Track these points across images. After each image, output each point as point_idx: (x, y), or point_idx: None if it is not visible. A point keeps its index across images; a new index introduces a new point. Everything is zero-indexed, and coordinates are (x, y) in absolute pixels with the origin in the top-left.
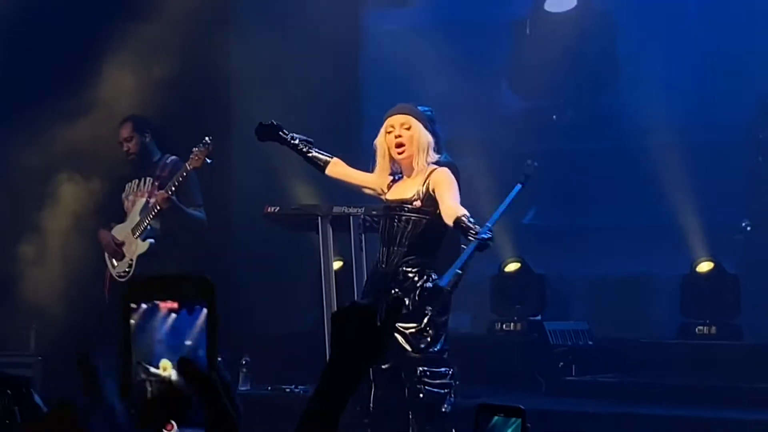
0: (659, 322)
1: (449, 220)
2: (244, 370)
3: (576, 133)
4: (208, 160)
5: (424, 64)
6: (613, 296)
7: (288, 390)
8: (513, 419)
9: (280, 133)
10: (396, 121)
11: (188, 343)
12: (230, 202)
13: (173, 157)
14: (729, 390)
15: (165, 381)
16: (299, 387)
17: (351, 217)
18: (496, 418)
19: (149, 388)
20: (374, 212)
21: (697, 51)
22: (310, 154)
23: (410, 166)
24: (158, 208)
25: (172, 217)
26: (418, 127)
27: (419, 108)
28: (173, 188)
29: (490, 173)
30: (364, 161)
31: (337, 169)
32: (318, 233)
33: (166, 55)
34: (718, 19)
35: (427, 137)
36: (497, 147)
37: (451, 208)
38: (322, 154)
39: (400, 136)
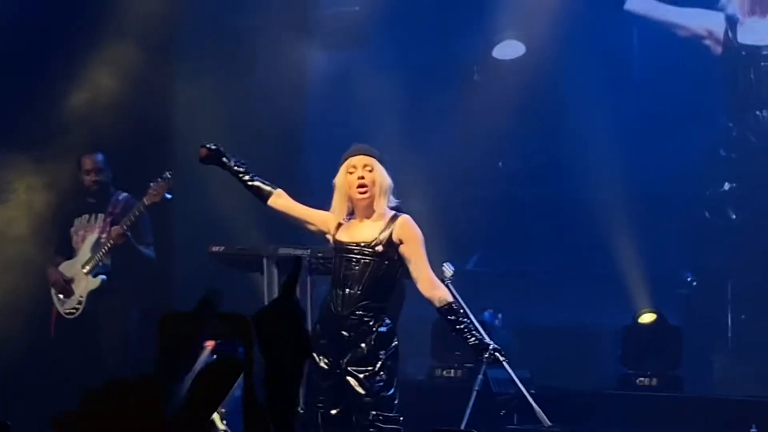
0: (601, 372)
1: (434, 300)
2: None
3: (522, 180)
4: (168, 196)
5: (370, 106)
6: (555, 345)
7: None
8: None
9: (223, 158)
10: (358, 162)
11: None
12: (173, 241)
13: (125, 194)
14: None
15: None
16: None
17: (297, 259)
18: None
19: None
20: (320, 254)
21: (645, 102)
22: (253, 183)
23: (369, 208)
24: (111, 243)
25: (124, 254)
26: (380, 170)
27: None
28: (128, 224)
29: (434, 218)
30: (306, 201)
31: (282, 201)
32: (263, 274)
33: (115, 93)
34: (666, 72)
35: (389, 180)
36: (442, 192)
37: (432, 282)
38: (266, 184)
39: (362, 177)
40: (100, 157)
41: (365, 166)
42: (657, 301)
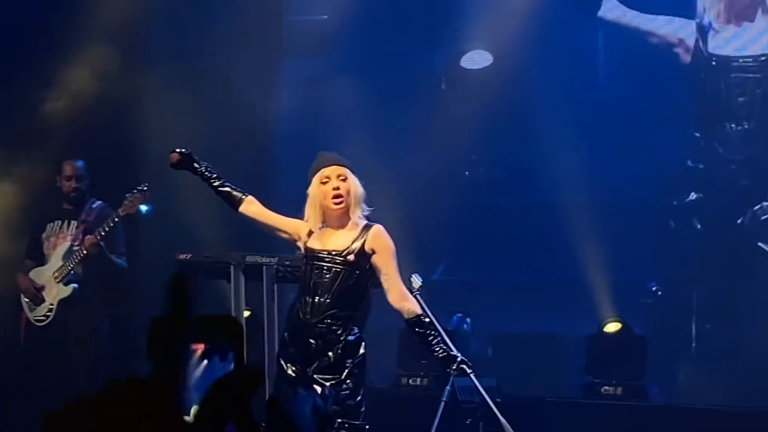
0: (566, 380)
1: (404, 312)
2: None
3: (489, 189)
4: (143, 208)
5: (338, 115)
6: (521, 353)
7: None
8: None
9: (194, 163)
10: (332, 172)
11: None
12: (140, 247)
13: (99, 201)
14: None
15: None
16: None
17: (264, 267)
18: None
19: None
20: (287, 262)
21: (612, 112)
22: (223, 189)
23: (342, 217)
24: (85, 252)
25: (97, 263)
26: (353, 179)
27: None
28: (101, 234)
29: (401, 227)
30: (274, 208)
31: (253, 208)
32: (230, 282)
33: (86, 98)
34: (633, 81)
35: (361, 189)
36: (408, 200)
37: (402, 294)
38: (237, 191)
39: (338, 188)
40: (81, 163)
41: (339, 176)
42: (622, 310)
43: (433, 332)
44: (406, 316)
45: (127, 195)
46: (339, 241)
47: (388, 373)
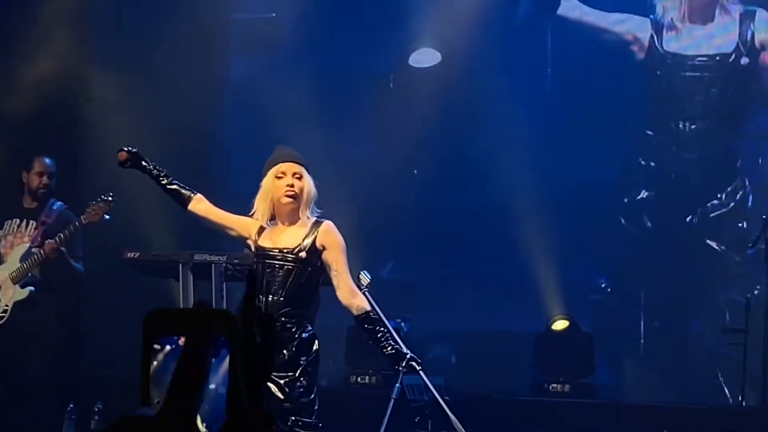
0: (514, 378)
1: (353, 308)
2: (96, 417)
3: (437, 187)
4: (107, 217)
5: (286, 112)
6: (469, 351)
7: None
8: None
9: (143, 161)
10: (288, 168)
11: (212, 386)
12: (86, 245)
13: (59, 203)
14: None
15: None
16: None
17: (213, 265)
18: None
19: None
20: (236, 260)
21: (562, 109)
22: (172, 187)
23: (292, 215)
24: (44, 256)
25: (56, 268)
26: (308, 179)
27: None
28: (62, 239)
29: (349, 225)
30: (222, 204)
31: (202, 206)
32: (178, 280)
33: (28, 94)
34: (584, 79)
35: (314, 189)
36: (356, 199)
37: (352, 291)
38: (185, 189)
39: (292, 185)
40: (50, 161)
41: (295, 173)
42: (571, 308)
43: (382, 329)
44: (355, 312)
45: (91, 203)
46: (290, 238)
47: (337, 371)
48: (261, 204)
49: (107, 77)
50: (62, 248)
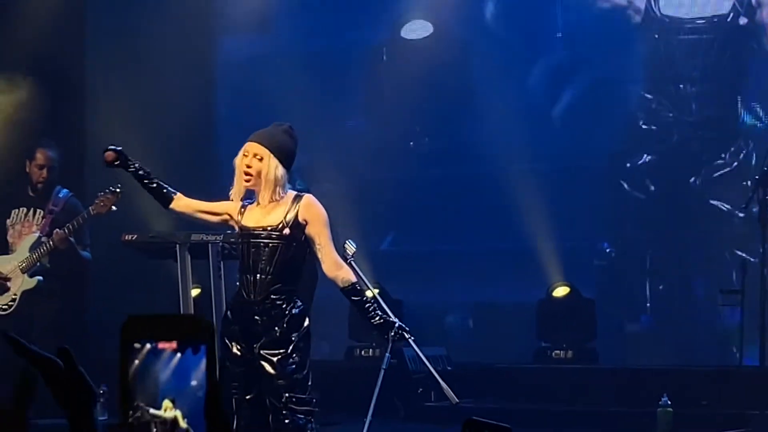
0: (517, 346)
1: (338, 281)
2: (102, 399)
3: (433, 160)
4: (114, 208)
5: (281, 90)
6: (470, 321)
7: None
8: None
9: (128, 161)
10: (251, 148)
11: (193, 383)
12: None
13: (65, 190)
14: (586, 413)
15: (168, 421)
16: None
17: (209, 245)
18: None
19: (154, 430)
20: (233, 239)
21: (558, 75)
22: (153, 186)
23: (263, 197)
24: (52, 246)
25: (65, 258)
26: (269, 162)
27: (287, 133)
28: (71, 229)
29: (348, 200)
30: (216, 185)
31: (182, 202)
32: (176, 261)
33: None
34: (583, 44)
35: (277, 173)
36: (354, 173)
37: (336, 263)
38: (167, 189)
39: (250, 166)
40: (54, 153)
41: (256, 154)
42: (573, 274)
43: (368, 299)
44: (341, 285)
45: (99, 194)
46: (272, 216)
47: (341, 346)
48: (235, 180)
49: (101, 60)
50: (71, 238)
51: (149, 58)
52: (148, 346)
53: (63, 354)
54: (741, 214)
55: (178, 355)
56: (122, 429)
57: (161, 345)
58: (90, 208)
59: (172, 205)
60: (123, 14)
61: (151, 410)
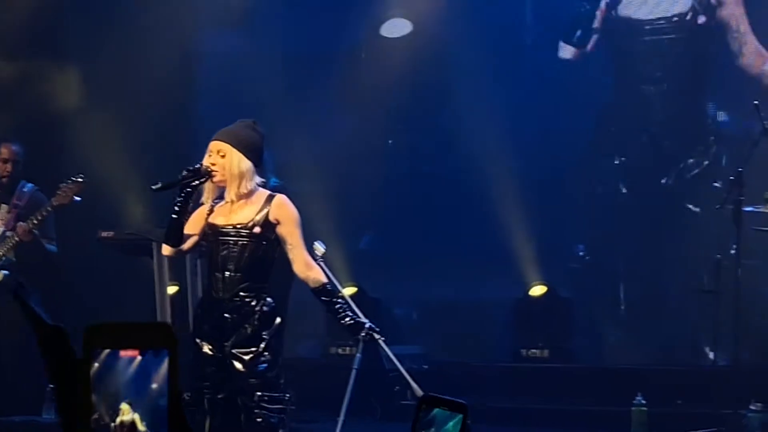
0: (494, 345)
1: (309, 281)
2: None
3: (412, 158)
4: (77, 198)
5: (259, 87)
6: (447, 320)
7: None
8: (455, 414)
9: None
10: (213, 146)
11: (154, 386)
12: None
13: (30, 184)
14: (561, 412)
15: (126, 424)
16: None
17: None
18: (436, 410)
19: None
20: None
21: (534, 77)
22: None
23: (229, 193)
24: (17, 240)
25: (30, 251)
26: (232, 156)
27: (250, 128)
28: (35, 222)
29: (326, 198)
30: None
31: (186, 244)
32: (152, 258)
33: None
34: (555, 47)
35: (241, 167)
36: (333, 171)
37: (307, 264)
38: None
39: (213, 164)
40: (17, 147)
41: (218, 151)
42: (550, 275)
43: (339, 300)
44: (312, 285)
45: (61, 185)
46: (243, 214)
47: (318, 345)
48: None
49: (77, 55)
50: (35, 231)
51: (128, 53)
52: (106, 351)
53: (59, 332)
54: (713, 218)
55: (139, 358)
56: None
57: (122, 353)
58: (52, 199)
59: (183, 246)
60: (102, 7)
61: (111, 414)
